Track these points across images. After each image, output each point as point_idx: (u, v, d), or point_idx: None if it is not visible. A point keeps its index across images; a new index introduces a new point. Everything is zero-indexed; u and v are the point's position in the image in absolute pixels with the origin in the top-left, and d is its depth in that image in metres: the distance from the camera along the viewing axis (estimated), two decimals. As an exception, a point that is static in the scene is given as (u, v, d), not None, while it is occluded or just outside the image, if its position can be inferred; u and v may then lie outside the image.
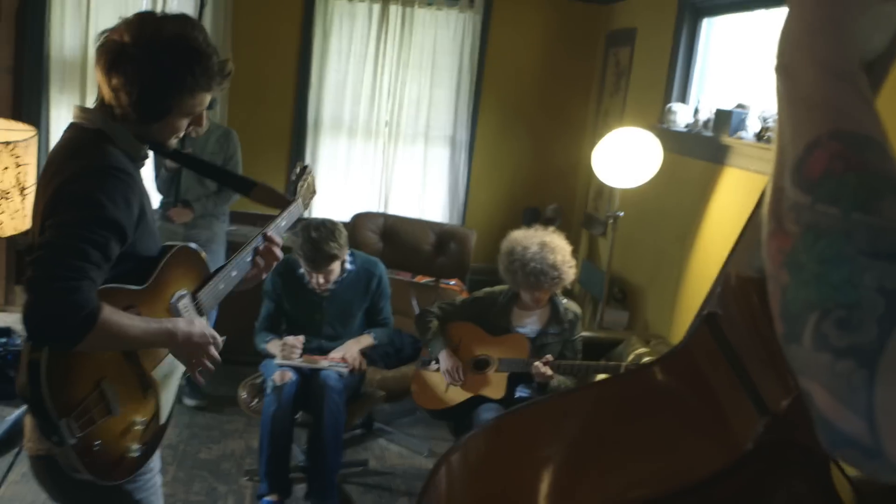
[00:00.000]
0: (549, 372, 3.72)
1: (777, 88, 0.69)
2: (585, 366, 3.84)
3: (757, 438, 0.92)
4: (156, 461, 2.14)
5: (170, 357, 2.05)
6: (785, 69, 0.67)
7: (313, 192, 2.74)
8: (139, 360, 1.97)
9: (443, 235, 5.24)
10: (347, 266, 4.13)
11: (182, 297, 2.05)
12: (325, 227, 3.87)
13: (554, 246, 3.95)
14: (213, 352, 2.03)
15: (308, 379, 3.93)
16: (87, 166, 1.85)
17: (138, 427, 1.96)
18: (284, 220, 2.45)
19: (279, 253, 2.32)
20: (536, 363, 3.74)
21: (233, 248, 4.71)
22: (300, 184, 2.67)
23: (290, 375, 3.88)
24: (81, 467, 1.80)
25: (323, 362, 3.97)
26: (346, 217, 5.44)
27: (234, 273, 2.22)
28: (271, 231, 2.32)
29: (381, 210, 6.23)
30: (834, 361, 0.54)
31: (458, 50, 6.18)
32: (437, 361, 4.02)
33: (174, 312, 2.02)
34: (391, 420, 5.02)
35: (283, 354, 3.91)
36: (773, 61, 0.69)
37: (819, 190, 0.59)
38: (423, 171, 6.36)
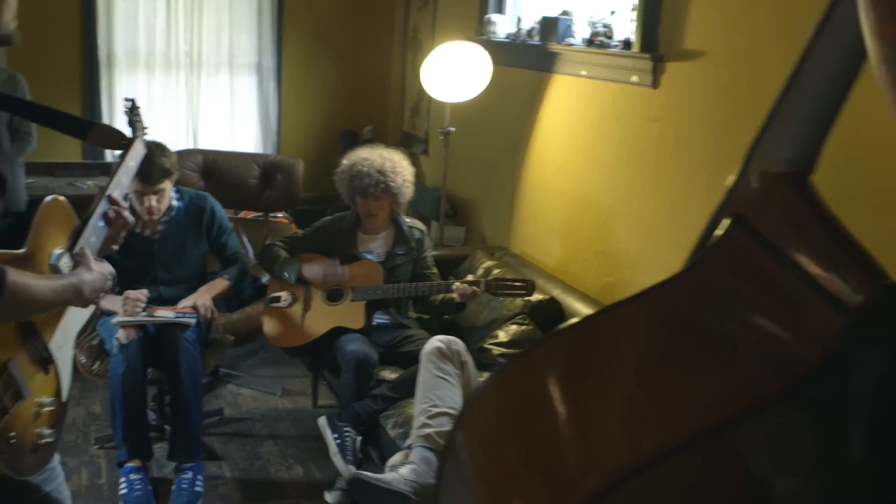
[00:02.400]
0: (478, 290, 3.66)
1: None
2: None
3: (840, 334, 0.90)
4: None
5: (62, 324, 1.84)
6: None
7: (145, 128, 2.54)
8: (38, 331, 1.75)
9: (268, 167, 5.02)
10: (174, 203, 3.87)
11: (61, 255, 1.83)
12: (152, 143, 3.60)
13: (395, 161, 3.89)
14: (108, 286, 1.85)
15: (154, 334, 3.68)
16: None
17: (47, 408, 1.75)
18: (133, 161, 2.22)
19: (128, 216, 2.07)
20: (457, 284, 3.67)
21: (32, 202, 4.30)
22: (135, 119, 2.51)
23: (135, 332, 3.62)
24: (3, 466, 1.58)
25: (168, 314, 3.72)
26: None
27: (93, 238, 1.99)
28: (114, 191, 2.06)
29: (191, 146, 5.90)
30: None
31: (255, -29, 5.87)
32: (297, 281, 3.88)
33: (55, 273, 1.80)
34: (236, 364, 4.85)
35: (126, 310, 3.62)
36: None
37: None
38: (230, 102, 6.07)
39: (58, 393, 1.84)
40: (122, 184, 2.13)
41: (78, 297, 1.73)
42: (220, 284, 3.94)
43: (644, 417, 0.99)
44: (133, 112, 2.53)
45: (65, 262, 1.83)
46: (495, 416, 1.11)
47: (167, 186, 3.77)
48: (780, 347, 0.96)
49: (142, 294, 3.64)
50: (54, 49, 5.59)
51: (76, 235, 1.92)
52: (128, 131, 2.36)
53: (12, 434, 1.64)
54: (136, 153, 2.25)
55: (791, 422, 0.95)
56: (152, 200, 3.71)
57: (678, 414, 0.96)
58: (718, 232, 1.11)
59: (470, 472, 1.11)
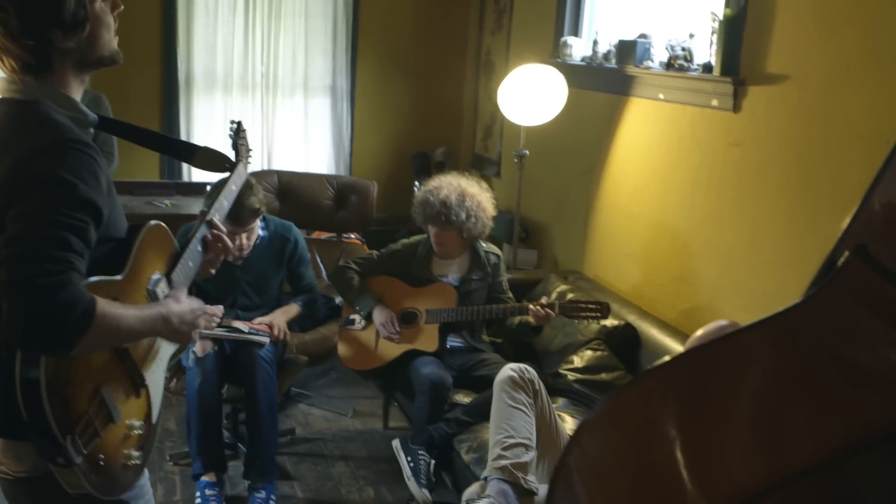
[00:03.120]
0: (552, 313, 3.63)
1: None
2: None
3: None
4: None
5: (155, 346, 1.86)
6: None
7: (249, 150, 2.56)
8: (131, 355, 1.77)
9: (342, 189, 5.07)
10: (260, 232, 3.92)
11: (158, 280, 1.85)
12: (245, 182, 3.65)
13: (473, 192, 3.87)
14: (201, 323, 1.87)
15: (232, 352, 3.73)
16: (40, 144, 1.59)
17: (137, 431, 1.77)
18: (234, 185, 2.25)
19: (227, 241, 2.09)
20: (532, 306, 3.64)
21: (132, 228, 4.38)
22: (240, 142, 2.49)
23: (211, 345, 3.67)
24: (87, 486, 1.60)
25: (243, 327, 3.76)
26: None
27: (190, 264, 2.02)
28: (214, 215, 2.10)
29: (265, 166, 5.99)
30: None
31: (331, -6, 5.95)
32: (366, 319, 3.90)
33: (153, 299, 1.82)
34: (307, 384, 4.87)
35: (203, 324, 3.65)
36: None
37: None
38: (304, 124, 6.14)
39: (148, 416, 1.85)
40: (222, 207, 2.15)
41: (166, 327, 1.74)
42: (292, 310, 4.00)
43: (765, 444, 0.97)
44: (238, 134, 2.51)
45: (161, 288, 1.85)
46: (609, 439, 1.09)
47: (257, 224, 3.83)
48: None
49: (217, 310, 3.67)
50: (136, 71, 5.72)
51: (175, 260, 1.95)
52: (227, 153, 2.35)
53: (101, 456, 1.65)
54: (239, 177, 2.27)
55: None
56: (242, 238, 3.76)
57: (801, 441, 0.94)
58: (840, 262, 1.08)
59: (582, 497, 1.09)
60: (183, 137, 5.86)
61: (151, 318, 1.70)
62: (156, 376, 1.89)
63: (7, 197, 1.55)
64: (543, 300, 3.70)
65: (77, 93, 1.76)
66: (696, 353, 1.10)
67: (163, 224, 1.94)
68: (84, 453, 1.59)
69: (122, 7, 1.77)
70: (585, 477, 1.09)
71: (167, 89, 5.80)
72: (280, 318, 3.88)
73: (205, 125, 5.90)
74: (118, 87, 5.55)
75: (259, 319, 3.83)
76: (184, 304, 1.80)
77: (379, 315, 3.87)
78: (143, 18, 5.67)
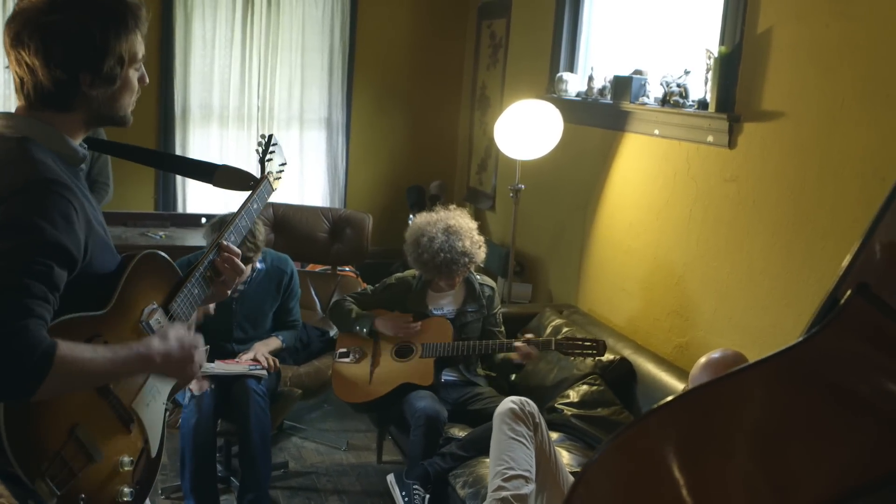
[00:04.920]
0: (534, 352, 3.64)
1: None
2: (546, 341, 3.73)
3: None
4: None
5: (150, 381, 1.84)
6: None
7: (283, 165, 2.44)
8: (114, 392, 1.75)
9: (338, 222, 5.07)
10: (257, 265, 3.92)
11: (153, 311, 1.82)
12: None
13: (459, 229, 3.87)
14: (197, 357, 1.81)
15: (226, 386, 3.71)
16: (15, 184, 1.58)
17: (127, 468, 1.74)
18: (256, 204, 2.18)
19: (239, 264, 2.05)
20: (518, 343, 3.64)
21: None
22: (267, 158, 2.34)
23: (208, 384, 3.65)
24: None
25: (239, 367, 3.75)
26: (226, 209, 5.17)
27: (196, 291, 1.98)
28: (230, 237, 2.05)
29: (261, 199, 5.98)
30: None
31: (328, 29, 5.99)
32: (370, 335, 3.89)
33: (147, 331, 1.79)
34: (300, 416, 4.84)
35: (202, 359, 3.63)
36: None
37: None
38: (300, 156, 6.14)
39: (144, 450, 1.82)
40: (239, 228, 2.09)
41: (148, 366, 1.70)
42: (273, 343, 3.99)
43: (772, 485, 0.96)
44: (267, 149, 2.35)
45: (157, 320, 1.82)
46: (612, 482, 1.08)
47: (247, 270, 3.82)
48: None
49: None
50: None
51: (176, 289, 1.92)
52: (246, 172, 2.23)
53: (82, 496, 1.63)
54: (263, 196, 2.20)
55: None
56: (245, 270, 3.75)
57: (809, 481, 0.93)
58: (843, 300, 1.08)
59: None
60: (178, 169, 5.87)
61: (126, 359, 1.66)
62: (152, 409, 1.85)
63: None
64: (529, 336, 3.71)
65: (76, 137, 1.75)
66: (699, 393, 1.10)
67: (160, 253, 1.91)
68: (58, 494, 1.56)
69: (147, 82, 1.82)
70: None
71: (163, 121, 5.80)
72: (261, 349, 3.88)
73: (200, 156, 5.90)
74: (114, 118, 5.57)
75: (244, 356, 3.81)
76: (170, 342, 1.75)
77: (383, 324, 3.87)
78: (141, 51, 5.69)
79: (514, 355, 3.69)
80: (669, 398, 1.10)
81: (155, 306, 1.84)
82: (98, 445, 1.68)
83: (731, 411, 1.06)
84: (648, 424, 1.08)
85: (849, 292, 1.07)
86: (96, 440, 1.67)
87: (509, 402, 3.17)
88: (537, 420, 3.14)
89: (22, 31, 1.64)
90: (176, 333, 1.79)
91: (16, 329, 1.46)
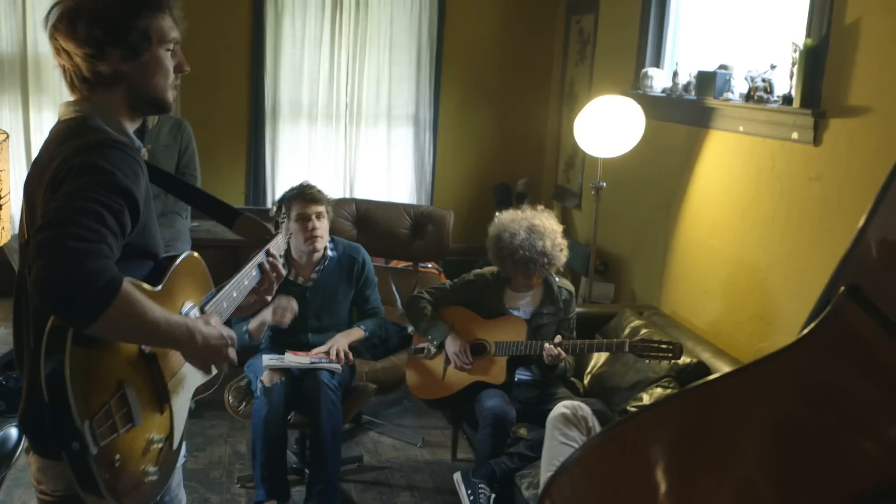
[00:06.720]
0: (562, 353, 3.59)
1: None
2: (590, 344, 3.71)
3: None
4: (177, 475, 2.02)
5: (183, 370, 1.86)
6: None
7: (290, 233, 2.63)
8: (158, 363, 1.77)
9: (419, 218, 5.08)
10: (329, 253, 3.95)
11: (192, 309, 1.88)
12: (304, 182, 3.92)
13: (543, 230, 3.81)
14: (231, 353, 1.82)
15: (298, 378, 3.75)
16: (85, 142, 1.68)
17: (156, 445, 1.75)
18: (273, 254, 2.26)
19: (283, 271, 2.18)
20: (547, 345, 3.60)
21: (196, 245, 4.44)
22: (281, 220, 2.61)
23: (279, 376, 3.70)
24: (103, 487, 1.58)
25: (311, 360, 3.78)
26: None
27: (234, 294, 2.04)
28: (273, 246, 2.18)
29: (347, 195, 6.05)
30: None
31: (415, 26, 6.00)
32: (438, 348, 3.87)
33: None
34: (379, 412, 4.87)
35: (276, 318, 3.62)
36: None
37: None
38: (387, 153, 6.18)
39: (170, 437, 1.83)
40: (251, 275, 2.14)
41: (190, 341, 1.71)
42: (355, 333, 3.98)
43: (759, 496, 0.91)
44: (279, 212, 2.55)
45: (194, 315, 1.88)
46: (594, 479, 1.04)
47: (325, 213, 3.87)
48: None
49: (291, 302, 3.61)
50: (224, 99, 5.87)
51: (209, 296, 1.97)
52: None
53: (117, 457, 1.63)
54: (278, 246, 2.29)
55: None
56: (315, 222, 3.81)
57: (797, 492, 0.88)
58: (832, 303, 1.02)
59: None
60: (269, 165, 5.99)
61: (176, 324, 1.68)
62: (181, 399, 1.88)
63: (53, 187, 1.63)
64: (558, 339, 3.63)
65: (126, 120, 1.84)
66: (689, 396, 1.05)
67: (196, 255, 1.98)
68: (100, 445, 1.57)
69: (188, 70, 1.88)
70: None
71: (254, 117, 5.92)
72: (341, 341, 3.88)
73: (290, 152, 6.01)
74: (207, 112, 5.73)
75: (318, 349, 3.84)
76: (213, 328, 1.78)
77: (452, 345, 3.84)
78: (233, 47, 5.83)
79: (543, 358, 3.63)
80: (666, 396, 1.06)
81: (192, 305, 1.89)
82: (139, 410, 1.70)
83: (708, 423, 1.01)
84: (640, 420, 1.04)
85: (840, 292, 1.01)
86: (138, 404, 1.70)
87: (561, 408, 3.12)
88: (590, 424, 3.08)
89: (55, 20, 1.74)
90: (218, 323, 1.83)
91: (90, 250, 1.50)
